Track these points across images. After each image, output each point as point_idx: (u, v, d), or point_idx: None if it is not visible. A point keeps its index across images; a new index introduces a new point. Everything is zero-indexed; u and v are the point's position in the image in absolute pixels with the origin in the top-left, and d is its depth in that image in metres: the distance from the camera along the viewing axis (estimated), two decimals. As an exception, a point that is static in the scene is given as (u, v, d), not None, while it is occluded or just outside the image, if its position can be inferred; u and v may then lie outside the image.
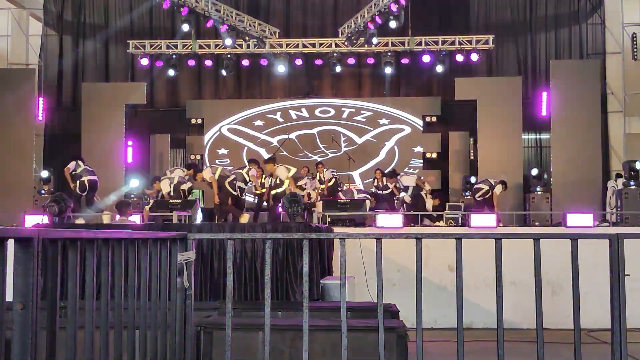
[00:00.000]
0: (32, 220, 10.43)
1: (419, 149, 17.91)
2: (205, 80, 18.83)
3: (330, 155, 17.77)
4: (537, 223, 13.41)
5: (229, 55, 17.47)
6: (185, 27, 16.24)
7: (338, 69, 17.44)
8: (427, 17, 17.69)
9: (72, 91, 18.37)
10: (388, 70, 17.31)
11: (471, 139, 17.24)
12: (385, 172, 14.71)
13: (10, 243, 2.45)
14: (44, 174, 14.99)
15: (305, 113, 18.33)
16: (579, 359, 4.10)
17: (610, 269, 4.11)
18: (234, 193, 11.75)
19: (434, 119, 17.98)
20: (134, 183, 15.89)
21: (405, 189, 13.80)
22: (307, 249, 4.28)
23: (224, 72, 17.62)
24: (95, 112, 16.74)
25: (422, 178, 14.72)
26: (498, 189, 13.52)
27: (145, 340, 3.86)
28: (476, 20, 18.22)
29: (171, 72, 17.68)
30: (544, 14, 18.02)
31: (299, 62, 17.65)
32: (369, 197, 13.71)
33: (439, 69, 17.25)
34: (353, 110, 18.23)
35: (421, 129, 17.99)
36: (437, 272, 10.15)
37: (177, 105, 18.71)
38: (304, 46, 17.59)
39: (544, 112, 16.94)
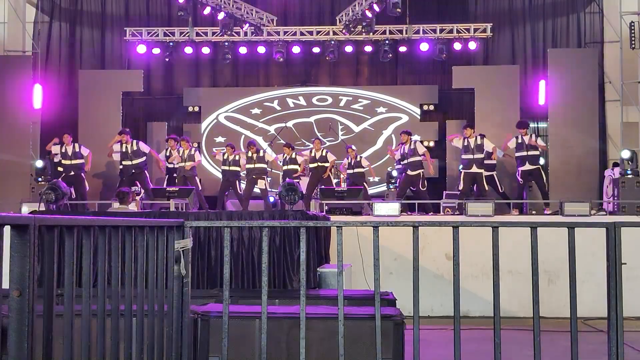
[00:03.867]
0: (29, 208, 10.43)
1: (416, 138, 17.87)
2: (202, 68, 18.77)
3: (328, 143, 17.73)
4: (534, 212, 13.41)
5: (226, 43, 17.42)
6: (185, 10, 16.17)
7: (335, 56, 17.40)
8: (425, 5, 17.63)
9: (69, 78, 18.30)
10: (385, 58, 17.29)
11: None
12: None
13: (7, 230, 2.45)
14: (39, 163, 14.96)
15: (302, 101, 18.30)
16: (576, 347, 4.11)
17: (607, 257, 4.12)
18: None
19: (432, 107, 17.93)
20: None
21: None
22: (304, 237, 4.28)
23: (228, 56, 17.51)
24: (92, 100, 16.70)
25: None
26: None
27: (142, 328, 3.86)
28: (474, 8, 18.16)
29: (170, 58, 17.62)
30: (542, 2, 17.97)
31: (296, 49, 17.61)
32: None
33: (437, 57, 17.21)
34: (350, 98, 18.19)
35: (418, 117, 17.96)
36: (434, 261, 10.18)
37: (174, 93, 18.65)
38: (302, 34, 17.55)
39: (541, 101, 16.91)
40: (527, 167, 13.24)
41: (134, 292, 3.78)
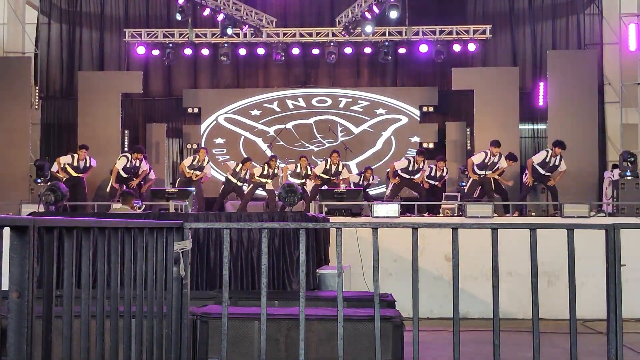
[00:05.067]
0: (29, 209, 10.43)
1: (415, 139, 17.89)
2: (201, 69, 18.76)
3: (327, 145, 17.74)
4: (533, 213, 13.42)
5: (225, 45, 17.41)
6: (184, 11, 16.14)
7: (335, 58, 17.39)
8: (425, 7, 17.64)
9: (68, 80, 18.31)
10: (385, 59, 17.29)
11: (468, 129, 17.23)
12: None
13: (6, 231, 2.45)
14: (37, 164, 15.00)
15: (302, 103, 18.30)
16: (575, 349, 4.11)
17: (606, 259, 4.12)
18: None
19: (431, 109, 17.94)
20: None
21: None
22: (303, 238, 4.28)
23: (223, 58, 17.48)
24: (91, 101, 16.70)
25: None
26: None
27: (142, 329, 3.86)
28: (473, 10, 18.17)
29: (167, 61, 17.61)
30: (541, 4, 17.98)
31: (295, 51, 17.61)
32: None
33: (436, 59, 17.21)
34: (350, 100, 18.20)
35: (418, 119, 17.96)
36: (433, 262, 10.17)
37: (173, 95, 18.65)
38: (301, 35, 17.55)
39: (540, 103, 16.92)
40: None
41: (133, 293, 3.78)
